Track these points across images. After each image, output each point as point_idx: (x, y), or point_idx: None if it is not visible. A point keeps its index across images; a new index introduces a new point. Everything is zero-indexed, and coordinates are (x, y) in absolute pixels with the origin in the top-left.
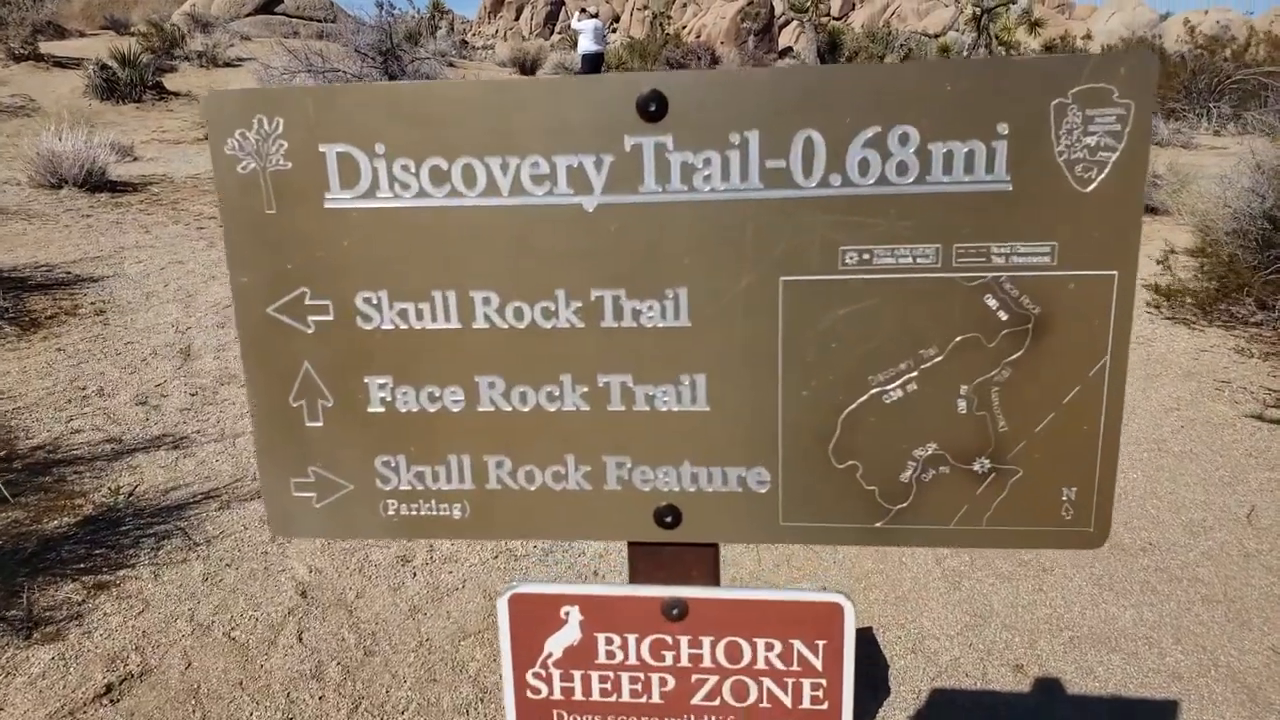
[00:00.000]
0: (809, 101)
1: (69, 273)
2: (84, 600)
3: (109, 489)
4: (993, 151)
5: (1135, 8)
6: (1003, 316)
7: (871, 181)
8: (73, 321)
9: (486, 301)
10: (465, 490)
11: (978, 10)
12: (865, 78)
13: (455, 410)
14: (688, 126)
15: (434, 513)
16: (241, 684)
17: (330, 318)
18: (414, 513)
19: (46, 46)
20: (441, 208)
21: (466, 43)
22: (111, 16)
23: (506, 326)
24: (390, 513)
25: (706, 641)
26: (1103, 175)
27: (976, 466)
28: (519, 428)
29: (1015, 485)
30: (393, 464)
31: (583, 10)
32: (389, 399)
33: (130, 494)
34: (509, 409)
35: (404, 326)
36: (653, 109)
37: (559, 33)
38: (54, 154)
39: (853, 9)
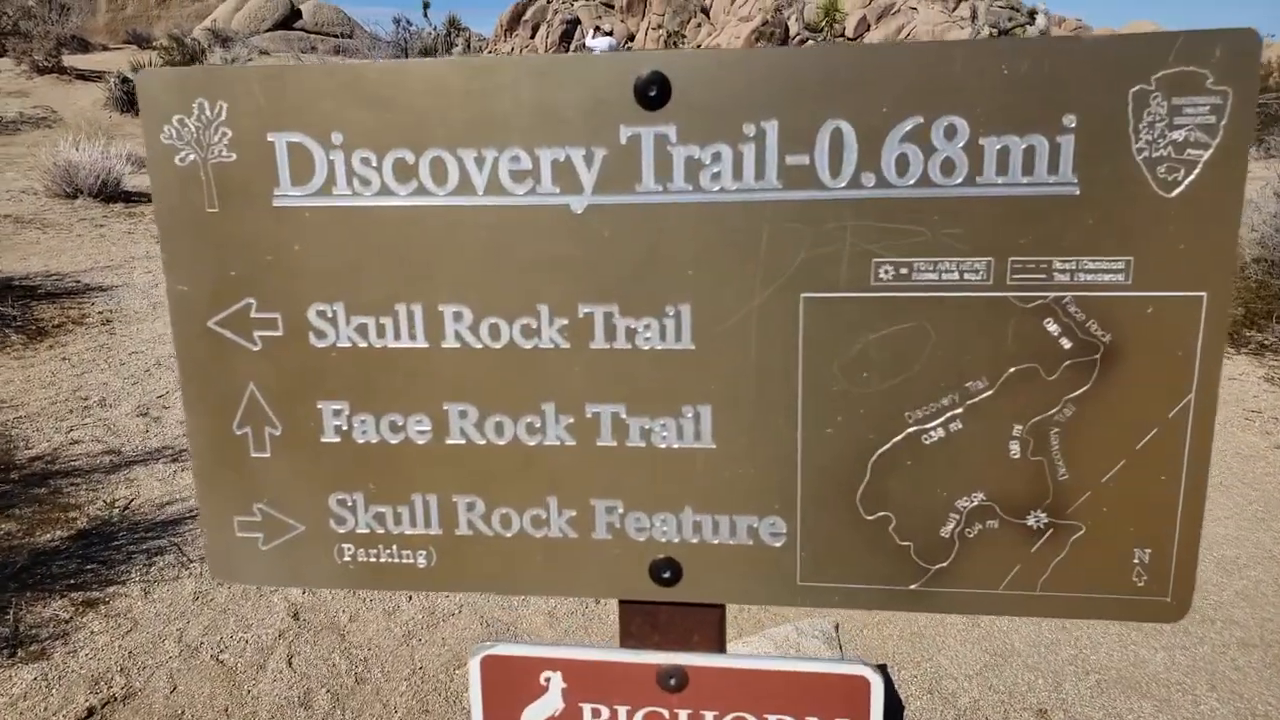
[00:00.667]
0: (838, 87)
1: (79, 282)
2: (71, 618)
3: (104, 502)
4: (1057, 148)
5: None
6: (1066, 344)
7: (911, 182)
8: (79, 331)
9: (458, 317)
10: (431, 535)
11: (994, 32)
12: (905, 59)
13: (421, 442)
14: (694, 115)
15: (395, 560)
16: (227, 710)
17: (279, 333)
18: (373, 559)
19: (70, 60)
20: (407, 208)
21: None
22: (134, 31)
23: (480, 346)
24: (346, 558)
25: (709, 717)
26: (1191, 177)
27: (1031, 521)
28: (494, 464)
29: (1077, 544)
30: (349, 503)
31: (597, 29)
32: (345, 428)
33: (125, 508)
34: (482, 442)
35: (363, 344)
36: (653, 94)
37: (574, 51)
38: (71, 164)
39: (868, 29)
